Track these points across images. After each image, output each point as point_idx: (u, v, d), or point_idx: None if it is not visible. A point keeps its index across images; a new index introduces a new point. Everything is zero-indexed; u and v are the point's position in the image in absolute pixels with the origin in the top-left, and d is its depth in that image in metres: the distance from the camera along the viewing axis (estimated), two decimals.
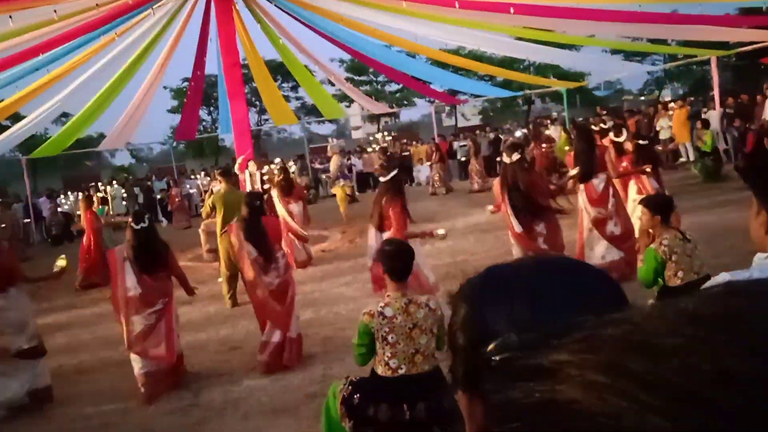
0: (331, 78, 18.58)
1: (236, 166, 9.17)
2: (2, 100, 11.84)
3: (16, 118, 15.79)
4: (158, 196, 17.90)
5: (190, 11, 11.14)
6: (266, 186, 8.74)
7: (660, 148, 12.17)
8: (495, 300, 0.58)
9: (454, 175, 17.96)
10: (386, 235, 4.69)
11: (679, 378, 0.30)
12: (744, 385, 0.29)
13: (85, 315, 7.47)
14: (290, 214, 8.38)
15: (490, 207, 5.90)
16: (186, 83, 23.90)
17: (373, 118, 32.32)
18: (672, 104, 16.60)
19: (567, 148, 10.63)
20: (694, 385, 0.29)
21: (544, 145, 12.66)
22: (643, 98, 34.49)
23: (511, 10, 9.12)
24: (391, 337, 2.79)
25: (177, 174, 20.02)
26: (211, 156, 31.39)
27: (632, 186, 6.59)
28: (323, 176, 18.95)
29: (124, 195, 17.02)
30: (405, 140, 23.23)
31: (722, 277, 1.74)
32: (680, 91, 32.03)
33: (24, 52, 9.24)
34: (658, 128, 15.58)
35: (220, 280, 7.31)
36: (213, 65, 13.67)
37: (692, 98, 20.43)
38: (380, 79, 28.92)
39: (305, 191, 8.91)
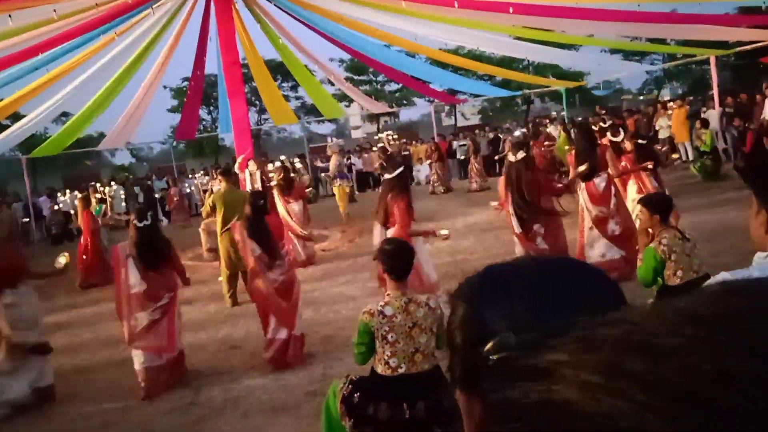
0: (331, 77, 18.58)
1: (236, 166, 9.17)
2: (2, 100, 11.83)
3: (16, 117, 15.78)
4: (158, 196, 17.90)
5: (189, 11, 11.13)
6: (272, 183, 8.71)
7: (658, 147, 12.16)
8: (493, 299, 0.58)
9: (454, 175, 17.97)
10: (390, 231, 4.71)
11: (679, 378, 0.30)
12: (744, 385, 0.29)
13: (86, 314, 7.47)
14: (290, 213, 8.38)
15: (494, 203, 5.91)
16: (186, 83, 23.91)
17: (373, 118, 32.32)
18: (671, 104, 16.60)
19: (567, 147, 10.63)
20: (694, 386, 0.29)
21: (546, 142, 12.67)
22: (642, 98, 34.49)
23: (510, 10, 9.12)
24: (391, 336, 2.79)
25: (177, 173, 20.01)
26: (211, 155, 31.39)
27: (631, 185, 6.60)
28: (323, 175, 18.95)
29: (123, 195, 17.00)
30: (404, 140, 23.23)
31: (722, 277, 1.74)
32: (679, 90, 32.05)
33: (24, 51, 9.24)
34: (657, 128, 15.59)
35: (220, 279, 7.31)
36: (213, 65, 13.70)
37: (691, 98, 20.41)
38: (380, 78, 28.92)
39: (306, 190, 8.89)
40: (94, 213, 9.92)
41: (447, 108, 33.37)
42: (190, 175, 19.99)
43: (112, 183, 17.57)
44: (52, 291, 8.34)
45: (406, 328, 2.80)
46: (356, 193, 18.29)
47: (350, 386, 2.86)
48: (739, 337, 0.31)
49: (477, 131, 21.56)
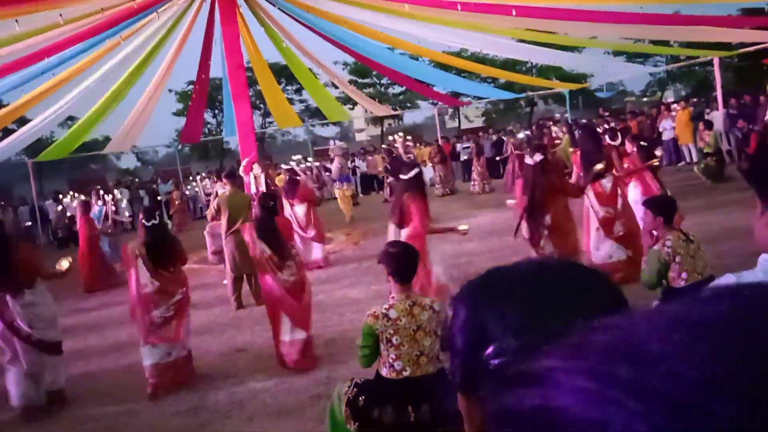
0: (335, 81, 18.59)
1: (241, 169, 9.19)
2: (8, 104, 11.91)
3: (23, 121, 15.87)
4: (164, 199, 17.95)
5: (194, 14, 11.18)
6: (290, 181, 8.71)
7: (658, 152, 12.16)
8: (494, 303, 0.58)
9: (457, 177, 17.98)
10: (404, 232, 4.72)
11: (667, 386, 0.30)
12: (730, 393, 0.29)
13: (92, 318, 7.51)
14: (295, 215, 8.40)
15: (511, 201, 5.93)
16: (191, 86, 23.99)
17: (377, 121, 32.34)
18: (675, 105, 16.58)
19: (571, 150, 10.63)
20: (680, 393, 0.29)
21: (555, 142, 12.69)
22: (645, 99, 34.45)
23: (514, 12, 9.12)
24: (396, 339, 2.80)
25: (182, 177, 20.07)
26: (216, 158, 31.47)
27: (632, 188, 6.58)
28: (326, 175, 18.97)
29: (128, 198, 17.05)
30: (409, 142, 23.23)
31: (727, 279, 1.74)
32: (683, 92, 31.97)
33: (30, 55, 9.29)
34: (660, 129, 15.57)
35: (225, 282, 7.33)
36: (217, 68, 13.70)
37: (695, 99, 20.39)
38: (383, 81, 28.93)
39: (312, 192, 8.90)
40: (93, 218, 9.90)
41: (451, 110, 33.37)
42: (193, 181, 20.04)
43: (115, 190, 17.63)
44: (57, 295, 8.35)
45: (410, 331, 2.80)
46: (360, 195, 18.31)
47: (355, 389, 2.87)
48: (725, 343, 0.31)
49: (481, 134, 21.57)
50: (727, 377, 0.29)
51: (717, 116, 13.49)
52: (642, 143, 6.87)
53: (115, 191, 15.94)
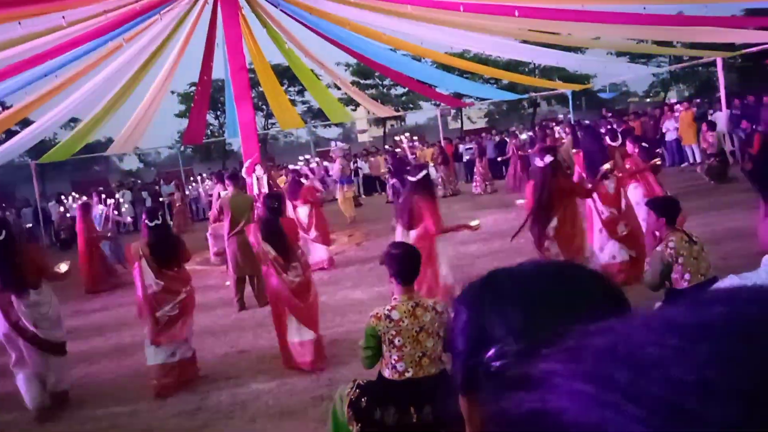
0: (337, 82, 18.60)
1: (243, 170, 9.21)
2: (12, 106, 11.94)
3: (26, 123, 15.91)
4: (166, 201, 17.98)
5: (197, 16, 11.21)
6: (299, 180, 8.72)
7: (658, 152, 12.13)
8: (495, 305, 0.58)
9: (460, 178, 17.96)
10: (413, 233, 4.71)
11: (662, 390, 0.30)
12: (725, 397, 0.29)
13: (94, 320, 7.52)
14: (297, 217, 8.40)
15: (521, 201, 5.93)
16: (193, 88, 24.01)
17: (379, 122, 32.37)
18: (678, 106, 16.54)
19: (574, 151, 10.62)
20: (676, 397, 0.29)
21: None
22: (648, 100, 34.40)
23: (516, 13, 9.12)
24: (398, 340, 2.79)
25: (184, 178, 20.10)
26: (219, 160, 31.53)
27: (632, 189, 6.56)
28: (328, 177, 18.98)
29: (130, 200, 17.10)
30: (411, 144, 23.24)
31: (730, 280, 1.74)
32: (686, 92, 31.93)
33: (33, 57, 9.32)
34: (664, 130, 15.53)
35: (227, 283, 7.34)
36: (220, 70, 13.73)
37: (698, 100, 20.33)
38: (386, 82, 28.96)
39: (315, 194, 8.89)
40: (93, 221, 9.91)
41: (453, 111, 33.39)
42: (194, 182, 20.07)
43: (117, 192, 17.67)
44: (59, 297, 8.37)
45: (413, 332, 2.80)
46: (362, 197, 18.32)
47: (357, 390, 2.86)
48: (722, 347, 0.31)
49: (483, 135, 21.55)
50: (724, 380, 0.29)
51: (720, 117, 13.46)
52: (643, 144, 6.86)
53: (118, 193, 15.99)
